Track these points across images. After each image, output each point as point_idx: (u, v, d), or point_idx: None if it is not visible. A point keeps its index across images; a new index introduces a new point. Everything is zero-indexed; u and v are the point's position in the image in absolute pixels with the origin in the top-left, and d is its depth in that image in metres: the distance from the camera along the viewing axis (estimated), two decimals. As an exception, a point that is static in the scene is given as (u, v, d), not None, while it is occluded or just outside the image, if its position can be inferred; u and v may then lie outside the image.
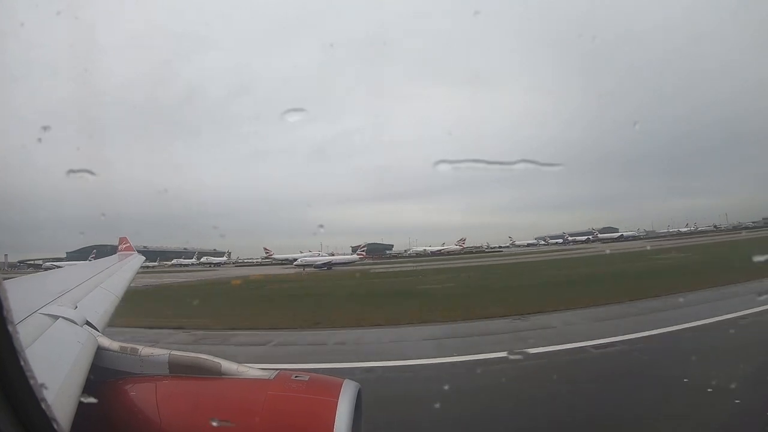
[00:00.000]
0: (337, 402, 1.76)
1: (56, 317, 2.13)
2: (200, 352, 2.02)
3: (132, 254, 9.60)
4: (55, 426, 1.22)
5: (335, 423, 1.69)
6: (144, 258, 10.01)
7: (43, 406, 1.19)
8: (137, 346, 2.01)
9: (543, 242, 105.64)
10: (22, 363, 1.13)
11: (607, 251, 51.13)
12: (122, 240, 11.35)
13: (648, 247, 52.42)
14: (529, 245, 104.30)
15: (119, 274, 5.21)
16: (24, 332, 1.57)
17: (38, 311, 2.13)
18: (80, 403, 1.50)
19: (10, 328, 1.09)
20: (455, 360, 8.54)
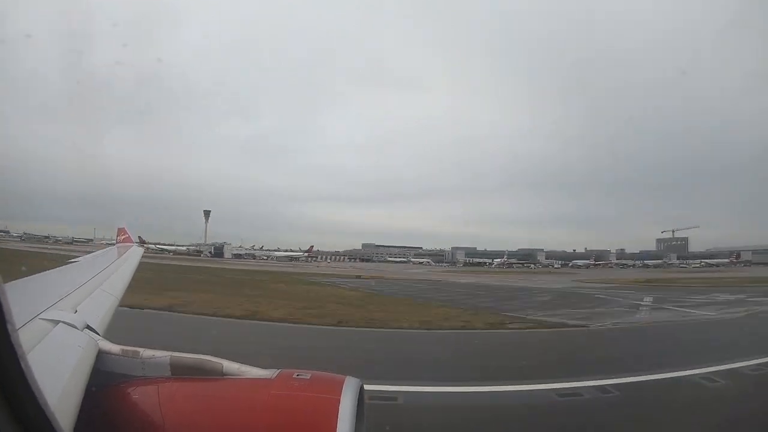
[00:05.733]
0: (339, 399, 1.77)
1: (56, 322, 2.13)
2: (202, 353, 2.03)
3: (131, 246, 9.43)
4: (58, 430, 1.23)
5: (338, 420, 1.70)
6: (143, 250, 9.82)
7: (46, 411, 1.19)
8: (138, 349, 2.01)
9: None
10: (24, 369, 1.13)
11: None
12: (120, 231, 11.05)
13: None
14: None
15: (119, 273, 5.20)
16: (25, 338, 1.56)
17: (38, 316, 2.13)
18: (82, 408, 1.50)
19: (11, 333, 1.09)
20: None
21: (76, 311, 2.51)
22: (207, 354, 2.02)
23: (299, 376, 1.95)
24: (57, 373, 1.57)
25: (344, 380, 1.88)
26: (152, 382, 1.90)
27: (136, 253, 8.02)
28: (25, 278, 3.47)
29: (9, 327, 1.08)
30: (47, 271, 4.49)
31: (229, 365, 1.96)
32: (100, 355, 1.98)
